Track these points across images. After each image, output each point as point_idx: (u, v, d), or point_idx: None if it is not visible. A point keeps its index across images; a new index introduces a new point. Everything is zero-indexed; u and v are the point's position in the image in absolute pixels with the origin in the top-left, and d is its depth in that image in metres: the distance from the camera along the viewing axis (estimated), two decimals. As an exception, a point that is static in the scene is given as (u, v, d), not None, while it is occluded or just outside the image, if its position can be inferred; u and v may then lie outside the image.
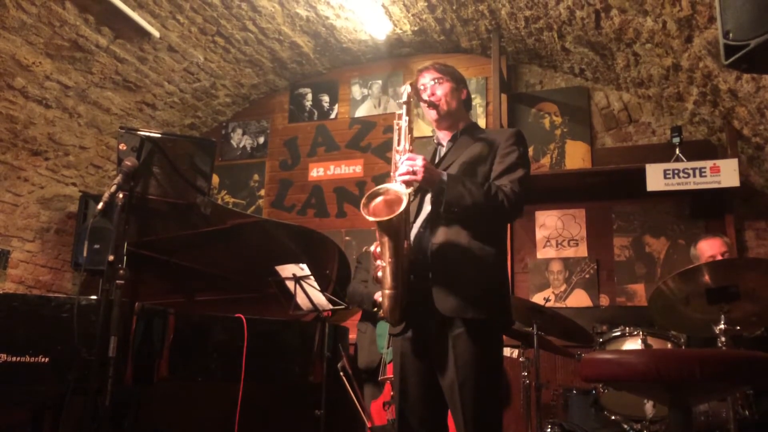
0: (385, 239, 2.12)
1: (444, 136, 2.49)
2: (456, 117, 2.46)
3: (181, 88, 5.07)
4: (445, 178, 2.19)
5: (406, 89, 2.33)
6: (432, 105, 2.42)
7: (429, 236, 2.25)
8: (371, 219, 2.10)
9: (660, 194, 4.13)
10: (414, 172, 2.14)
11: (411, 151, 2.27)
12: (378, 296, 3.74)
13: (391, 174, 2.25)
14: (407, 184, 2.16)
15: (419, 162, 2.15)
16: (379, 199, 2.16)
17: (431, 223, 2.27)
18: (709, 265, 2.46)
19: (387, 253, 2.13)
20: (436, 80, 2.44)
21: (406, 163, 2.17)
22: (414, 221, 2.31)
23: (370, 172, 5.21)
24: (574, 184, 4.61)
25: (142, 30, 4.27)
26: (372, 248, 2.25)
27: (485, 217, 2.22)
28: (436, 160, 2.46)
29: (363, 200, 2.15)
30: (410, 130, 2.31)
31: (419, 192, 2.33)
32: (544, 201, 4.68)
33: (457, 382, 2.12)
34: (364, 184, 5.20)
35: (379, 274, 2.18)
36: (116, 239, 2.39)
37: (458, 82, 2.48)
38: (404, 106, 2.32)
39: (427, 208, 2.30)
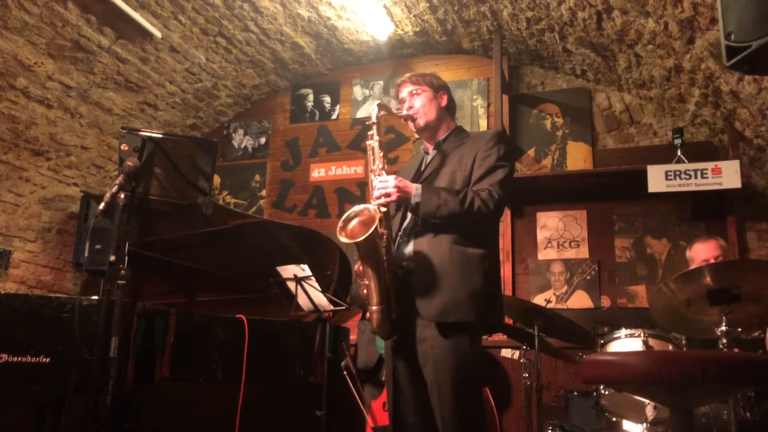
0: (365, 258, 2.18)
1: (428, 145, 2.54)
2: (436, 126, 2.49)
3: (182, 89, 5.07)
4: (419, 191, 2.23)
5: (374, 109, 2.36)
6: (409, 118, 2.46)
7: (412, 244, 2.30)
8: (347, 241, 2.17)
9: (661, 195, 4.13)
10: (388, 194, 2.21)
11: (384, 169, 2.32)
12: None
13: (371, 190, 2.31)
14: (384, 205, 2.22)
15: (391, 183, 2.21)
16: (356, 220, 2.23)
17: (414, 231, 2.31)
18: (710, 266, 2.46)
19: (369, 271, 2.18)
20: (413, 92, 2.47)
21: (379, 187, 2.23)
22: (399, 229, 2.36)
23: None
24: (575, 185, 4.61)
25: (143, 30, 4.28)
26: (356, 267, 2.32)
27: (464, 224, 2.25)
28: (422, 169, 2.50)
29: (339, 224, 2.22)
30: (382, 148, 2.36)
31: (401, 206, 2.38)
32: (546, 202, 4.68)
33: (436, 382, 2.17)
34: (365, 185, 5.20)
35: (365, 291, 2.23)
36: (118, 239, 2.39)
37: (437, 90, 2.50)
38: (374, 127, 2.37)
39: (410, 216, 2.35)
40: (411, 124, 2.49)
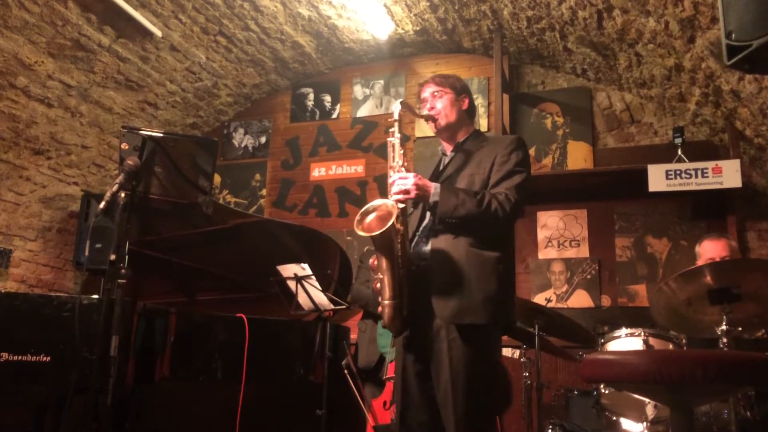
0: (381, 252, 2.20)
1: (447, 147, 2.56)
2: (455, 128, 2.52)
3: (183, 88, 5.07)
4: (437, 191, 2.26)
5: (396, 107, 2.39)
6: (430, 119, 2.50)
7: (429, 244, 2.32)
8: (364, 234, 2.20)
9: (662, 195, 4.13)
10: (407, 191, 2.23)
11: (404, 166, 2.34)
12: None
13: (389, 188, 2.32)
14: (402, 201, 2.25)
15: (410, 180, 2.24)
16: (373, 215, 2.25)
17: (432, 231, 2.34)
18: (710, 266, 2.45)
19: (383, 266, 2.20)
20: (436, 93, 2.50)
21: (398, 183, 2.25)
22: (417, 230, 2.39)
23: (371, 172, 5.21)
24: (575, 184, 4.61)
25: (144, 29, 4.28)
26: (370, 261, 2.32)
27: (480, 225, 2.28)
28: (440, 169, 2.53)
29: (357, 217, 2.24)
30: (403, 145, 2.39)
31: (417, 204, 2.41)
32: (546, 201, 4.68)
33: (450, 382, 2.18)
34: (365, 184, 5.20)
35: (378, 285, 2.25)
36: (118, 238, 2.39)
37: (459, 93, 2.53)
38: (396, 124, 2.39)
39: (428, 216, 2.38)
40: (431, 125, 2.53)
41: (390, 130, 2.41)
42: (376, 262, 2.26)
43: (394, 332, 2.29)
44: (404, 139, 5.07)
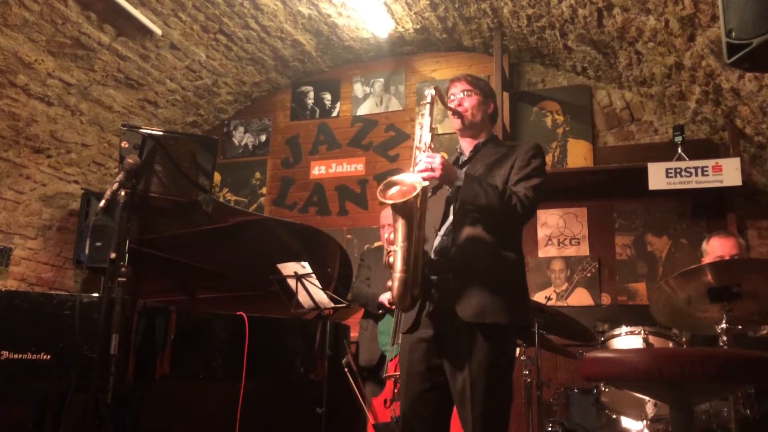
0: (399, 223, 2.21)
1: (466, 146, 2.58)
2: (479, 129, 2.55)
3: (183, 86, 5.07)
4: (462, 176, 2.28)
5: (430, 92, 2.43)
6: (457, 114, 2.52)
7: (452, 242, 2.34)
8: (386, 202, 2.19)
9: (662, 193, 4.13)
10: (432, 169, 2.23)
11: (431, 148, 2.36)
12: (382, 298, 3.76)
13: (411, 168, 2.33)
14: (427, 179, 2.25)
15: (437, 159, 2.25)
16: (396, 188, 2.25)
17: (454, 230, 2.36)
18: (712, 265, 2.45)
19: (399, 237, 2.20)
20: (466, 92, 2.54)
21: (425, 161, 2.26)
22: (439, 229, 2.41)
23: (371, 171, 5.21)
24: (575, 182, 4.61)
25: (144, 28, 4.27)
26: (386, 236, 2.34)
27: (498, 218, 2.30)
28: (458, 165, 2.54)
29: (380, 187, 2.23)
30: (431, 128, 2.40)
31: (437, 189, 2.41)
32: (546, 199, 4.67)
33: (469, 380, 2.19)
34: (365, 183, 5.20)
35: (391, 259, 2.23)
36: (118, 237, 2.39)
37: (487, 97, 2.58)
38: (427, 106, 2.43)
39: (451, 216, 2.39)
40: (457, 121, 2.55)
41: (421, 112, 2.44)
42: (392, 236, 2.28)
43: (403, 308, 2.28)
44: (403, 137, 5.14)
